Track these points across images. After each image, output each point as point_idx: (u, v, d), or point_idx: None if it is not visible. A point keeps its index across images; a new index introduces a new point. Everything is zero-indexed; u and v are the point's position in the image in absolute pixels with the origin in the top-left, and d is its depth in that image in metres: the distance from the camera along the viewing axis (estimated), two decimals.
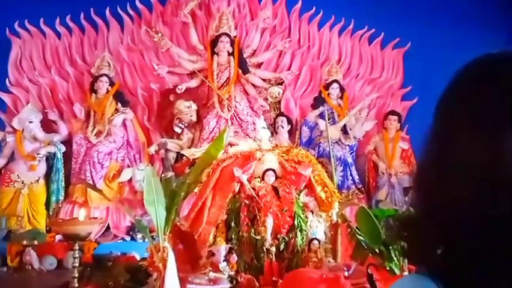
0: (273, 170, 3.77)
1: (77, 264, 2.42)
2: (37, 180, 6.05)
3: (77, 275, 2.41)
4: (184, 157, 6.37)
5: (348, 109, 6.54)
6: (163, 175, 6.12)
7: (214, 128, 6.52)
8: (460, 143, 0.68)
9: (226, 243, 3.56)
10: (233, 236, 3.62)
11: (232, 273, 3.32)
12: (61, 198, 6.14)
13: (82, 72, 6.71)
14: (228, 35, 6.60)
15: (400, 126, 6.47)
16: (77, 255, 2.41)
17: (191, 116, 6.50)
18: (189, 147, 6.46)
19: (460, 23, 6.38)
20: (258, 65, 6.91)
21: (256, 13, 6.97)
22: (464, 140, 0.68)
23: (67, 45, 6.77)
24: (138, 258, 4.87)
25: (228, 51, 6.59)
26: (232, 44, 6.61)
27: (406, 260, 2.81)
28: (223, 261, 3.37)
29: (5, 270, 5.18)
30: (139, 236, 5.89)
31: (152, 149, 6.40)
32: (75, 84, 6.66)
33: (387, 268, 2.97)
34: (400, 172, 6.30)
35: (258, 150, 3.87)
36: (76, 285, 2.41)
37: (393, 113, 6.51)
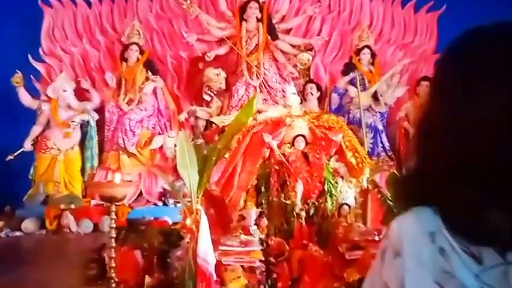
0: (303, 136, 3.77)
1: (114, 225, 2.50)
2: (72, 148, 6.21)
3: (114, 235, 2.49)
4: (214, 124, 6.41)
5: (379, 75, 6.40)
6: (193, 142, 6.19)
7: (243, 96, 6.51)
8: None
9: (257, 208, 3.61)
10: (263, 201, 3.67)
11: (263, 236, 3.38)
12: (95, 164, 6.31)
13: (112, 41, 6.77)
14: (256, 0, 6.49)
15: None
16: (114, 217, 2.49)
17: (220, 83, 6.51)
18: (218, 115, 6.49)
19: None
20: (287, 31, 6.81)
21: None
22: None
23: (97, 14, 6.82)
24: (170, 222, 5.02)
25: (256, 17, 6.50)
26: (261, 9, 6.50)
27: None
28: (254, 224, 3.43)
29: (44, 232, 5.41)
30: (171, 201, 6.03)
31: (182, 117, 6.47)
32: (106, 53, 6.73)
33: None
34: None
35: (288, 116, 3.86)
36: (114, 244, 2.50)
37: (426, 78, 6.34)
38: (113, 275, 2.48)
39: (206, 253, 2.58)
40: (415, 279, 0.73)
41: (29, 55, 6.52)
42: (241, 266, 2.93)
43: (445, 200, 0.74)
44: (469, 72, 0.76)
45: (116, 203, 2.49)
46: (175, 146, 6.22)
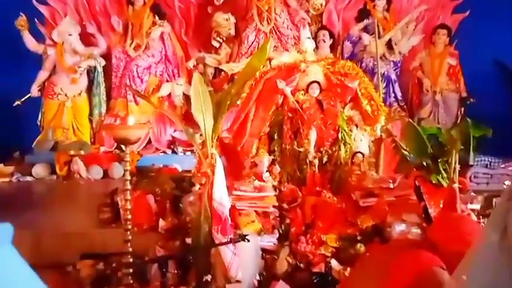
0: (318, 83, 3.67)
1: (129, 168, 2.47)
2: (79, 94, 6.13)
3: (129, 178, 2.47)
4: (223, 72, 6.29)
5: (394, 22, 6.18)
6: None
7: (253, 42, 6.32)
8: None
9: (269, 155, 3.58)
10: (276, 148, 3.64)
11: (275, 183, 3.37)
12: (103, 111, 6.25)
13: None
14: None
15: (449, 40, 6.11)
16: (128, 159, 2.45)
17: (229, 29, 6.32)
18: (227, 62, 6.35)
19: None
20: None
21: None
22: None
23: None
24: (180, 169, 5.03)
25: None
26: None
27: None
28: (266, 171, 3.41)
29: (55, 178, 5.44)
30: (180, 149, 6.02)
31: (191, 64, 6.33)
32: None
33: (434, 181, 2.93)
34: (446, 89, 6.06)
35: (303, 62, 3.75)
36: (129, 187, 2.48)
37: (442, 26, 6.12)
38: (129, 216, 2.47)
39: (221, 197, 2.57)
40: None
41: None
42: (255, 211, 2.93)
43: None
44: None
45: (130, 145, 2.45)
46: (183, 94, 6.20)
